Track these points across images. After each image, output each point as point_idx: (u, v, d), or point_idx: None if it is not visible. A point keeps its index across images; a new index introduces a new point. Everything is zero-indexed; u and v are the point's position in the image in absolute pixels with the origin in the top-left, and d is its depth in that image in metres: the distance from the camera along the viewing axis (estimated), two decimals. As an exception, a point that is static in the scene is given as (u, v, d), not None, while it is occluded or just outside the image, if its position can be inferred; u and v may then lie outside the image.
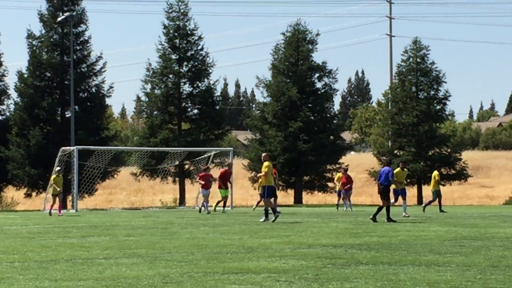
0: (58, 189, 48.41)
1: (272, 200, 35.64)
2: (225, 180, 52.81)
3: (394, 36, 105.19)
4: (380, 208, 39.15)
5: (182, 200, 79.84)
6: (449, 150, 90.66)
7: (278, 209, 45.34)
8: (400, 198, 44.43)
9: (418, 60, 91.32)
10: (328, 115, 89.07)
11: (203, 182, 51.04)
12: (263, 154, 36.02)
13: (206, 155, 70.31)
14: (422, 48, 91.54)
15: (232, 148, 76.04)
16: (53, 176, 49.42)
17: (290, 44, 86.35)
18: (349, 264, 18.88)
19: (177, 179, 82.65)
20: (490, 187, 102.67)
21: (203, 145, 77.41)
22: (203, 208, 50.81)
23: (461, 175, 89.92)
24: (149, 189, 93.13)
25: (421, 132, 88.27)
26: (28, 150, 74.22)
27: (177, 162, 76.72)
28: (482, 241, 26.09)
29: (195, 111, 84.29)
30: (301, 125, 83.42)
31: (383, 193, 39.68)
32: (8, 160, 75.92)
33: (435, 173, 48.21)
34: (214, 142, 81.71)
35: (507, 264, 18.83)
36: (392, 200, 43.29)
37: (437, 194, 47.61)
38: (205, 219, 44.14)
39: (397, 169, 43.12)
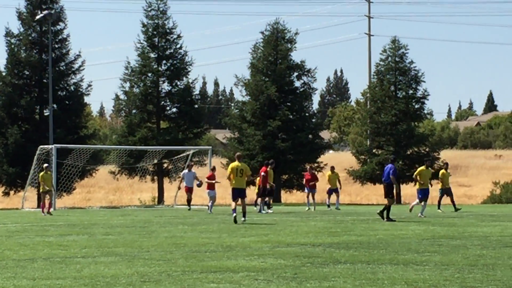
0: (47, 187, 48.30)
1: (239, 200, 35.04)
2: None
3: (372, 35, 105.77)
4: (386, 207, 39.03)
5: (160, 199, 79.83)
6: (427, 149, 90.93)
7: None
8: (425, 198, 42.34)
9: (396, 59, 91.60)
10: (306, 114, 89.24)
11: (213, 181, 50.71)
12: (236, 154, 35.65)
13: (184, 154, 70.41)
14: (400, 47, 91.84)
15: (210, 147, 76.09)
16: (41, 174, 49.21)
17: (269, 43, 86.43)
18: (328, 263, 18.92)
19: (155, 177, 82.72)
20: (468, 186, 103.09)
21: (182, 143, 77.65)
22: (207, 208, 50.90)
23: (439, 174, 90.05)
24: (128, 187, 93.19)
25: (399, 131, 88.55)
26: (6, 148, 74.25)
27: (155, 161, 76.71)
28: (460, 240, 26.18)
29: (174, 109, 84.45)
30: (279, 124, 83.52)
31: (387, 191, 39.60)
32: (-14, 158, 75.85)
33: (443, 171, 46.88)
34: (192, 141, 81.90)
35: (485, 263, 18.90)
36: (416, 200, 43.01)
37: (445, 192, 46.47)
38: (183, 217, 44.11)
39: (422, 167, 42.39)
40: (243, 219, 34.66)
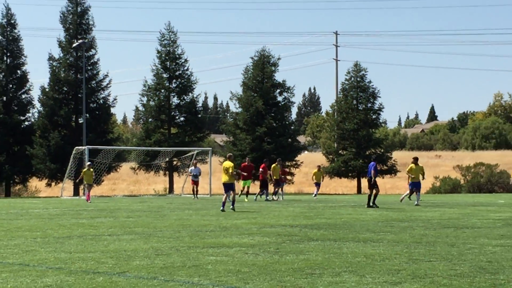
0: (85, 182, 48.22)
1: (231, 193, 34.16)
2: (247, 171, 50.66)
3: (339, 60, 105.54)
4: (371, 196, 38.81)
5: (171, 189, 79.70)
6: (382, 151, 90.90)
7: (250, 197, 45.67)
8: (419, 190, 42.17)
9: (358, 79, 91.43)
10: (286, 122, 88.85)
11: (245, 174, 49.53)
12: (227, 155, 35.13)
13: (190, 154, 70.31)
14: (361, 70, 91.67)
15: (211, 148, 76.56)
16: (84, 170, 49.11)
17: (257, 66, 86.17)
18: (303, 240, 18.89)
19: (167, 172, 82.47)
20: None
21: (188, 145, 77.37)
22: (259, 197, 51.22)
23: (392, 170, 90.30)
24: (145, 180, 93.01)
25: (360, 136, 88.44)
26: (49, 149, 74.05)
27: (167, 159, 76.66)
28: (408, 222, 26.14)
29: (182, 118, 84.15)
30: (265, 130, 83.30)
31: (372, 183, 39.22)
32: (32, 157, 75.83)
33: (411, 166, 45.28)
34: (196, 143, 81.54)
35: (427, 240, 18.89)
36: (407, 192, 42.46)
37: (417, 185, 42.50)
38: (189, 204, 44.02)
39: (411, 165, 41.08)
40: (231, 206, 34.11)
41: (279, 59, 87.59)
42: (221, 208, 33.85)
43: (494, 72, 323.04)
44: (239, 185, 50.50)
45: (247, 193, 51.54)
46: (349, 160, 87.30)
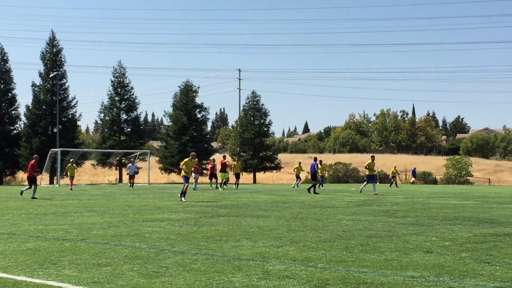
0: (69, 174, 47.09)
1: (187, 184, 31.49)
2: (224, 167, 48.33)
3: (241, 89, 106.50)
4: (312, 186, 38.47)
5: (120, 180, 78.99)
6: (271, 153, 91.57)
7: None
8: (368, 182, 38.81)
9: (254, 103, 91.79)
10: (203, 133, 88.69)
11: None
12: (191, 153, 31.06)
13: (134, 154, 69.70)
14: (256, 96, 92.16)
15: (149, 151, 76.23)
16: (68, 165, 48.04)
17: (183, 92, 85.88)
18: (214, 216, 18.87)
19: (117, 167, 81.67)
20: (294, 173, 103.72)
21: (133, 148, 76.82)
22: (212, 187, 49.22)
23: (277, 167, 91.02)
24: (102, 173, 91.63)
25: (255, 143, 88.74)
26: (31, 150, 72.67)
27: (117, 158, 76.10)
28: (288, 204, 26.28)
29: (129, 129, 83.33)
30: (188, 138, 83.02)
31: (311, 177, 39.06)
32: (19, 156, 74.57)
33: (369, 162, 39.18)
34: (139, 147, 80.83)
35: (302, 216, 19.03)
36: (364, 183, 39.26)
37: (372, 177, 38.77)
38: (133, 190, 43.61)
39: (369, 161, 37.68)
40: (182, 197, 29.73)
41: (198, 87, 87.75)
42: (180, 197, 29.66)
43: (349, 99, 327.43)
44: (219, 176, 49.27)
45: (226, 183, 49.14)
46: (248, 160, 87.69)
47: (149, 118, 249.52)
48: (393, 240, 12.95)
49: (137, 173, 52.97)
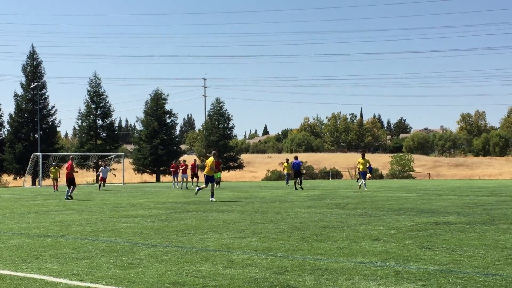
0: (52, 177, 45.54)
1: (210, 184, 26.00)
2: (217, 166, 47.03)
3: (207, 96, 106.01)
4: (299, 181, 38.34)
5: (97, 181, 78.35)
6: (234, 153, 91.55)
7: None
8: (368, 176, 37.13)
9: (218, 108, 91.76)
10: (173, 136, 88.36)
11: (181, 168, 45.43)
12: (212, 152, 27.58)
13: (110, 157, 69.04)
14: (220, 103, 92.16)
15: (123, 153, 75.36)
16: (51, 168, 46.69)
17: (154, 100, 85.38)
18: (183, 212, 18.80)
19: (94, 169, 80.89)
20: (255, 172, 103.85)
21: (109, 151, 76.15)
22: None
23: (240, 166, 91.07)
24: (80, 174, 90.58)
25: (220, 145, 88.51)
26: (15, 155, 71.88)
27: (94, 161, 75.35)
28: (250, 199, 26.31)
29: (104, 134, 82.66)
30: (159, 141, 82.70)
31: (295, 174, 38.86)
32: (4, 160, 73.51)
33: (360, 159, 36.57)
34: (114, 150, 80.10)
35: (263, 210, 19.06)
36: (362, 180, 36.38)
37: (363, 174, 36.03)
38: (108, 190, 43.23)
39: (360, 159, 35.71)
40: (211, 199, 25.75)
41: (167, 95, 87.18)
42: (197, 188, 27.38)
43: (303, 103, 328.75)
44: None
45: (218, 182, 46.28)
46: (219, 157, 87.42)
47: (123, 124, 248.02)
48: (344, 230, 13.04)
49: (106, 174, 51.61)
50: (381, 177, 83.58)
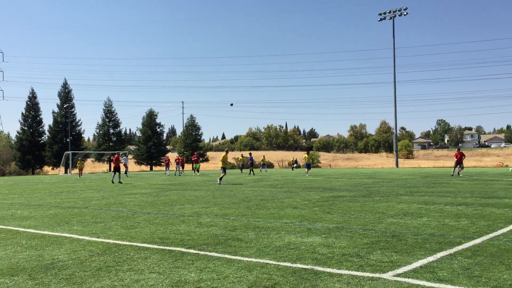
0: (78, 166, 42.58)
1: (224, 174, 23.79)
2: (197, 159, 42.80)
3: (184, 114, 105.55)
4: (251, 170, 36.24)
5: (110, 170, 76.20)
6: (202, 151, 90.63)
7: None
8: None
9: (192, 121, 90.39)
10: (161, 140, 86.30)
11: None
12: (226, 150, 25.33)
13: (123, 152, 67.58)
14: (193, 117, 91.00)
15: (128, 151, 73.75)
16: (78, 162, 43.91)
17: (148, 116, 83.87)
18: (168, 190, 18.31)
19: (107, 162, 78.47)
20: (216, 163, 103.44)
21: (117, 150, 74.44)
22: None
23: (207, 160, 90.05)
24: (98, 166, 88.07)
25: (193, 146, 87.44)
26: (52, 152, 69.77)
27: (108, 156, 73.37)
28: (213, 182, 25.86)
29: (114, 139, 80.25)
30: (152, 143, 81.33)
31: (250, 166, 36.20)
32: (45, 156, 71.32)
33: (306, 155, 33.73)
34: (121, 149, 78.14)
35: (221, 189, 18.70)
36: (306, 169, 33.31)
37: (308, 165, 32.95)
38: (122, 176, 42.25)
39: (305, 154, 32.57)
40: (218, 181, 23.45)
41: (158, 113, 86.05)
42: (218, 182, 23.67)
43: (249, 118, 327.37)
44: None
45: (198, 170, 43.38)
46: (189, 156, 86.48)
47: (128, 132, 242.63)
48: (275, 201, 13.05)
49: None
50: (299, 167, 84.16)
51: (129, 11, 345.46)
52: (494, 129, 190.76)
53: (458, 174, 29.47)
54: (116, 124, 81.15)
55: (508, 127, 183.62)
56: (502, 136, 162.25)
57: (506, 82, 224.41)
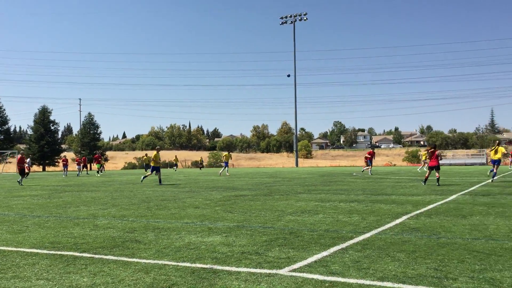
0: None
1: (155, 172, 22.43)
2: (98, 159, 39.76)
3: (82, 111, 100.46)
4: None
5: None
6: (101, 151, 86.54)
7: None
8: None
9: (90, 119, 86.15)
10: (56, 139, 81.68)
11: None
12: (157, 148, 23.10)
13: (6, 153, 62.45)
14: (91, 115, 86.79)
15: (17, 150, 68.08)
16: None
17: (41, 113, 78.74)
18: (62, 192, 17.40)
19: (-6, 162, 72.78)
20: (116, 163, 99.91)
21: (6, 149, 68.81)
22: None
23: (106, 160, 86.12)
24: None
25: (91, 145, 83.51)
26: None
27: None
28: (112, 182, 25.05)
29: (1, 137, 74.67)
30: (45, 142, 76.68)
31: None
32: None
33: (225, 153, 32.23)
34: (10, 148, 72.59)
35: (121, 190, 18.20)
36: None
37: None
38: (9, 178, 39.01)
39: (225, 153, 31.90)
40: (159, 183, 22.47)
41: (52, 109, 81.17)
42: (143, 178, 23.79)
43: (151, 117, 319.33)
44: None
45: (100, 170, 40.88)
46: (87, 155, 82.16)
47: (17, 129, 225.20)
48: (176, 202, 12.91)
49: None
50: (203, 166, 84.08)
51: (19, 1, 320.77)
52: (384, 130, 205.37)
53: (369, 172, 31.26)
54: (4, 121, 75.17)
55: (396, 129, 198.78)
56: (390, 137, 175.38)
57: (396, 87, 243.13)
